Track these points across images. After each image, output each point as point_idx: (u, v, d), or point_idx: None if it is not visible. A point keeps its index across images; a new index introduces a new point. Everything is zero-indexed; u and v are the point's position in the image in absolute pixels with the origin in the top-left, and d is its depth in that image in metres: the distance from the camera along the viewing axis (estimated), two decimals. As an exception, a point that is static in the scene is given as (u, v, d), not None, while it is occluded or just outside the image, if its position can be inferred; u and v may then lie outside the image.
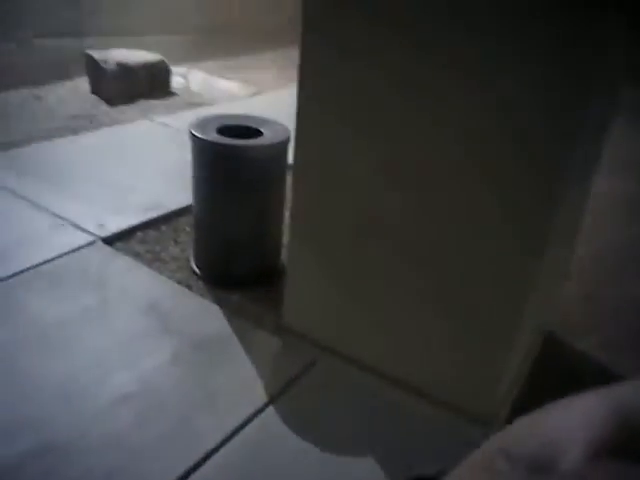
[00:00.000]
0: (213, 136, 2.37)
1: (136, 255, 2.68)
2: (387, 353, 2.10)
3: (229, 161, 2.38)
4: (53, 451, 1.72)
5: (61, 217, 2.90)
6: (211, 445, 1.79)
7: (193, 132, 2.38)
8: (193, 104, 5.02)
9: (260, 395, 2.00)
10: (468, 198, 1.78)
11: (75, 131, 4.18)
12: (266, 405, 1.97)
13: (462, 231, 1.82)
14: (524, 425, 0.28)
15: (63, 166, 3.52)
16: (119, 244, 2.76)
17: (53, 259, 2.56)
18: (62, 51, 5.05)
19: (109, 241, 2.75)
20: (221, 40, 6.12)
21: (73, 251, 2.63)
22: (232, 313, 2.39)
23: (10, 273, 2.42)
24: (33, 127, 4.15)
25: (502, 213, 1.74)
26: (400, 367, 2.08)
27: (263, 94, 5.33)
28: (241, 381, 2.07)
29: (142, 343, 2.17)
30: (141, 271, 2.58)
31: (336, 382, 2.10)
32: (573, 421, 0.25)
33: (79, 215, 2.92)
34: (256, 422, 1.91)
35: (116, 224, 2.88)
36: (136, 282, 2.50)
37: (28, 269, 2.47)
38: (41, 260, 2.53)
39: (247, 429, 1.87)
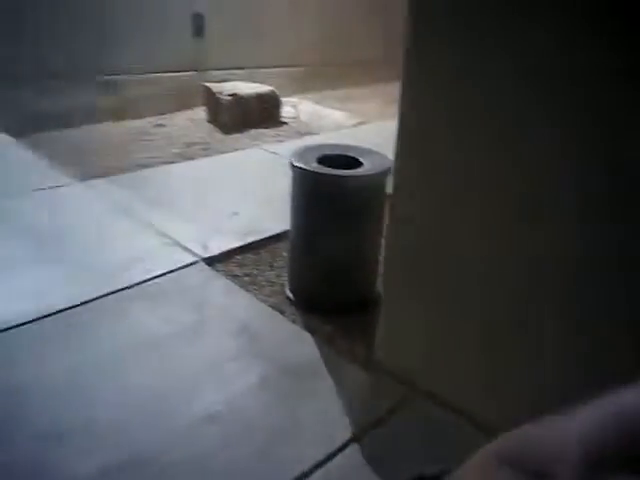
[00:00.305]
0: (313, 165, 2.39)
1: (234, 277, 2.75)
2: (487, 400, 1.95)
3: (327, 190, 2.38)
4: (136, 465, 1.76)
5: (169, 237, 3.06)
6: (291, 476, 1.75)
7: (293, 161, 2.42)
8: (301, 133, 5.16)
9: (345, 431, 1.94)
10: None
11: (190, 157, 4.44)
12: (350, 442, 1.90)
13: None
14: (526, 432, 0.28)
15: (176, 189, 3.73)
16: (219, 265, 2.84)
17: (158, 277, 2.69)
18: (184, 84, 5.42)
19: (210, 262, 2.85)
20: (330, 72, 6.27)
21: (177, 270, 2.75)
22: (323, 342, 2.35)
23: (119, 288, 2.56)
24: (154, 152, 4.47)
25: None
26: (502, 417, 1.92)
27: (368, 124, 5.36)
28: (327, 414, 2.02)
29: (232, 365, 2.19)
30: (237, 293, 2.63)
31: (426, 425, 1.98)
32: (572, 430, 0.25)
33: (185, 236, 3.06)
34: (338, 458, 1.84)
35: (218, 246, 2.98)
36: (232, 304, 2.55)
37: (135, 285, 2.61)
38: (148, 277, 2.67)
39: (328, 465, 1.81)
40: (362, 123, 5.44)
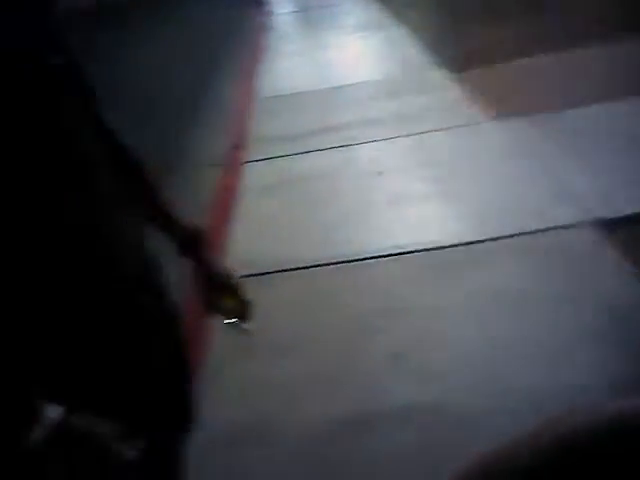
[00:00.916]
0: None
1: (627, 249, 2.28)
2: None
3: None
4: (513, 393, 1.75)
5: (569, 189, 2.75)
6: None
7: None
8: None
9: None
10: None
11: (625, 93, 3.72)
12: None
13: None
14: (498, 449, 0.38)
15: (597, 135, 3.27)
16: (616, 232, 2.39)
17: (540, 231, 2.49)
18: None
19: (604, 225, 2.43)
20: None
21: (559, 228, 2.49)
22: None
23: (486, 238, 2.50)
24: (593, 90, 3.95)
25: None
26: None
27: None
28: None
29: (578, 349, 1.88)
30: (623, 270, 2.18)
31: None
32: (525, 448, 0.38)
33: (586, 189, 2.70)
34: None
35: (621, 206, 2.51)
36: (611, 282, 2.13)
37: (508, 236, 2.49)
38: (529, 229, 2.50)
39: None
40: None
